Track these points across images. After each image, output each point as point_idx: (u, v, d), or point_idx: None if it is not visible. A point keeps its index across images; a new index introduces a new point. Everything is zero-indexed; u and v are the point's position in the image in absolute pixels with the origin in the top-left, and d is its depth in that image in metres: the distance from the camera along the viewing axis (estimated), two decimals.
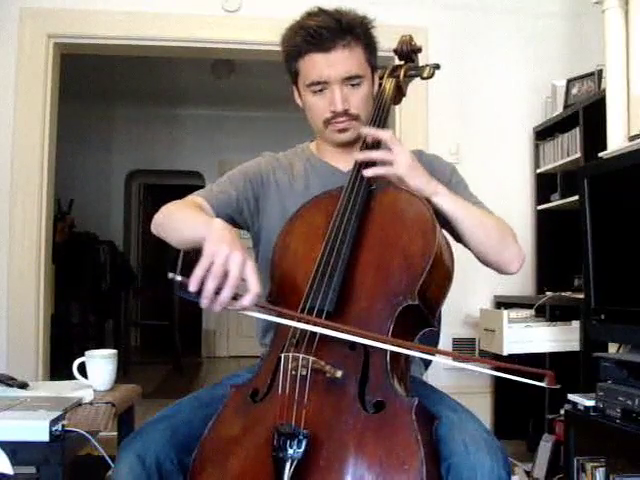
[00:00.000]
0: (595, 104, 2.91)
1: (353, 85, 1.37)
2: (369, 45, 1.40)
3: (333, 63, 1.34)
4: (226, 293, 1.06)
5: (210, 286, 1.05)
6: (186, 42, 3.41)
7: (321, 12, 1.37)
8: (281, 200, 1.47)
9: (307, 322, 1.12)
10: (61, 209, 5.44)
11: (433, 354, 1.21)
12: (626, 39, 2.65)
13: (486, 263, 1.40)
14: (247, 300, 1.07)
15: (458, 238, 1.37)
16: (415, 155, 1.46)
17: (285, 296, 1.23)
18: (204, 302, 1.07)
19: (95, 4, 3.30)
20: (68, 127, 4.08)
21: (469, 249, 1.39)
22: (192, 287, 1.05)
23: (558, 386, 1.07)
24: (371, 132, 1.34)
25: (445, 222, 1.32)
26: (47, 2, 3.26)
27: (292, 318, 1.14)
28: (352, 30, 1.35)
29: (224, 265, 1.06)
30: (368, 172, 1.27)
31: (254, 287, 1.07)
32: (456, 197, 1.33)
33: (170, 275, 1.06)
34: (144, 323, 7.32)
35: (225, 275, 1.06)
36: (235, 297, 1.08)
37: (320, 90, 1.37)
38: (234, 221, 1.48)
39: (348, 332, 1.09)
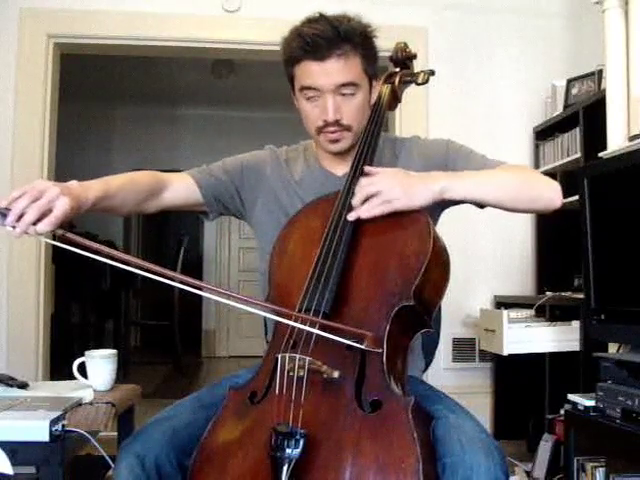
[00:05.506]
0: (595, 104, 2.90)
1: (347, 94, 1.34)
2: (367, 55, 1.36)
3: (327, 72, 1.31)
4: (29, 214, 1.09)
5: (20, 204, 1.09)
6: (186, 42, 3.41)
7: (321, 19, 1.33)
8: (274, 195, 1.47)
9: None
10: None
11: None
12: (626, 39, 2.64)
13: (531, 212, 1.39)
14: (42, 224, 1.09)
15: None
16: (407, 144, 1.47)
17: (283, 298, 1.24)
18: (9, 219, 1.09)
19: (95, 4, 3.30)
20: (68, 127, 4.08)
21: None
22: (2, 202, 1.09)
23: (379, 350, 1.08)
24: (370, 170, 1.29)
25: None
26: (47, 2, 3.26)
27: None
28: (350, 39, 1.31)
29: (40, 193, 1.10)
30: (365, 214, 1.22)
31: (53, 215, 1.10)
32: (462, 179, 1.29)
33: None
34: (144, 323, 7.30)
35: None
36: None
37: (313, 97, 1.35)
38: (224, 205, 1.50)
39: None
